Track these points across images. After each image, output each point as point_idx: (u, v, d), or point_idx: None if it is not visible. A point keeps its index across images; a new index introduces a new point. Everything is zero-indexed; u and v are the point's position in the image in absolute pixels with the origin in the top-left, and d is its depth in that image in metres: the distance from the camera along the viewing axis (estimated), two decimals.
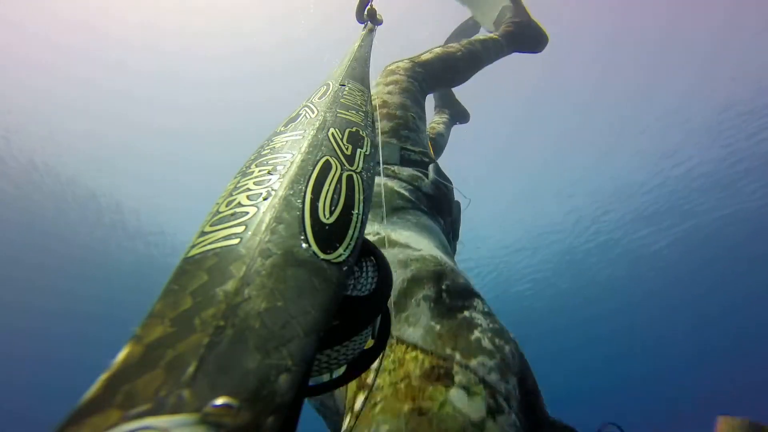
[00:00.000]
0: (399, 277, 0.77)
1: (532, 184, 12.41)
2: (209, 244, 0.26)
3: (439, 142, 2.53)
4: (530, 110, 11.75)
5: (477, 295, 0.75)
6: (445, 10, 2.67)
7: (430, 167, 1.27)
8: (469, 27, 2.86)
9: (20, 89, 9.82)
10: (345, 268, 0.28)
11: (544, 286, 15.07)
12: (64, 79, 10.58)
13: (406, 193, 1.12)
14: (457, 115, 2.89)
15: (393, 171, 1.19)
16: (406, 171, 1.21)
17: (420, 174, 1.22)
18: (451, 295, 0.72)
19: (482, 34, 2.13)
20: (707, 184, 10.87)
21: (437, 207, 1.19)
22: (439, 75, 1.81)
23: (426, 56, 1.80)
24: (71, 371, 15.33)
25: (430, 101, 2.88)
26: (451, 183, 1.31)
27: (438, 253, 0.85)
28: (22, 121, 9.81)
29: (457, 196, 1.35)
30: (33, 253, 12.50)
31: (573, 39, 10.24)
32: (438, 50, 1.86)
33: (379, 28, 1.18)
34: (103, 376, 0.18)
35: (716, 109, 9.68)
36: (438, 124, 2.70)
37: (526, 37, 2.23)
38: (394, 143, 1.31)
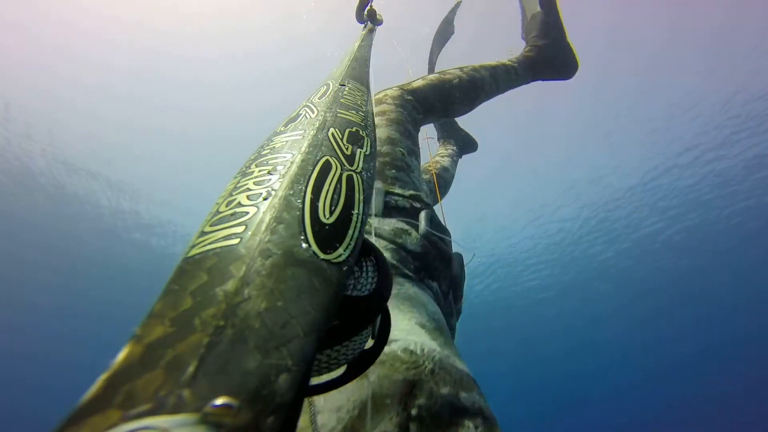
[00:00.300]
0: (351, 397, 0.53)
1: (537, 178, 12.40)
2: (209, 244, 0.26)
3: (445, 178, 2.22)
4: (536, 104, 11.73)
5: (466, 412, 0.53)
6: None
7: (422, 216, 1.03)
8: (447, 25, 2.59)
9: (20, 89, 9.83)
10: (345, 268, 0.28)
11: (549, 281, 15.10)
12: (64, 79, 10.59)
13: (386, 256, 0.90)
14: (464, 145, 2.60)
15: (371, 225, 0.95)
16: (389, 224, 0.98)
17: (406, 227, 0.99)
18: (426, 426, 0.50)
19: (494, 60, 1.85)
20: (713, 174, 10.82)
21: (429, 267, 0.97)
22: (432, 105, 1.58)
23: (418, 83, 1.61)
24: (71, 371, 15.36)
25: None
26: (448, 234, 1.09)
27: (418, 340, 0.65)
28: (22, 121, 9.82)
29: (456, 249, 1.12)
30: (33, 251, 12.52)
31: (576, 39, 10.22)
32: (432, 77, 1.66)
33: (379, 28, 1.18)
34: (103, 376, 0.18)
35: (718, 105, 9.67)
36: (443, 157, 2.38)
37: (548, 63, 1.94)
38: (377, 187, 1.06)
